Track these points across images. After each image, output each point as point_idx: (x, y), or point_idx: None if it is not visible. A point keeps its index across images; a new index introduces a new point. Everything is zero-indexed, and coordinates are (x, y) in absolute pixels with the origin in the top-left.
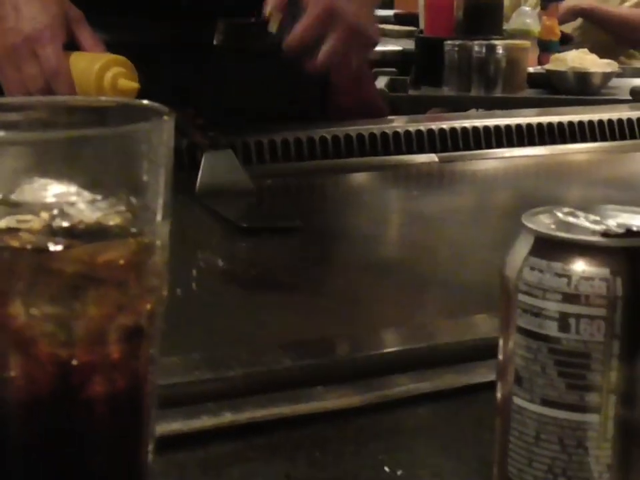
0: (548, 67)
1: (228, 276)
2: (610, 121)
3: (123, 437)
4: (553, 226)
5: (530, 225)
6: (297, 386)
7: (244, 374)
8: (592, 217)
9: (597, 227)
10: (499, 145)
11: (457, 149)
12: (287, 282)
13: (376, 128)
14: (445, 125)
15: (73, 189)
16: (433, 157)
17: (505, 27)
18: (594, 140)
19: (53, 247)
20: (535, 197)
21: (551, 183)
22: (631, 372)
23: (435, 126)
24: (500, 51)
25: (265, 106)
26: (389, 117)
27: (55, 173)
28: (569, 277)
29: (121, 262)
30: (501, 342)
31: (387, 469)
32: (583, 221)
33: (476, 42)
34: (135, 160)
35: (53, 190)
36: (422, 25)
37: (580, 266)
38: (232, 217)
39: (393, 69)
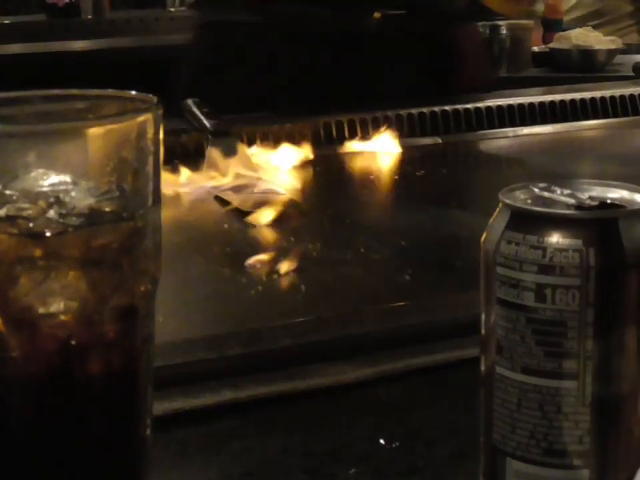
0: (552, 45)
1: (230, 259)
2: (612, 97)
3: (120, 414)
4: (529, 201)
5: (506, 200)
6: (295, 364)
7: (244, 353)
8: (566, 192)
9: (571, 201)
10: (503, 125)
11: (460, 130)
12: (284, 263)
13: (379, 112)
14: (448, 107)
15: (67, 178)
16: (436, 140)
17: None
18: (597, 117)
19: (49, 233)
20: (542, 174)
21: (556, 161)
22: (606, 339)
23: (437, 108)
24: (504, 30)
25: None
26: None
27: (49, 163)
28: (543, 248)
29: (114, 245)
30: (482, 314)
31: (382, 441)
32: (557, 195)
33: (479, 22)
34: (126, 149)
35: (48, 179)
36: None
37: (554, 238)
38: (236, 201)
39: None
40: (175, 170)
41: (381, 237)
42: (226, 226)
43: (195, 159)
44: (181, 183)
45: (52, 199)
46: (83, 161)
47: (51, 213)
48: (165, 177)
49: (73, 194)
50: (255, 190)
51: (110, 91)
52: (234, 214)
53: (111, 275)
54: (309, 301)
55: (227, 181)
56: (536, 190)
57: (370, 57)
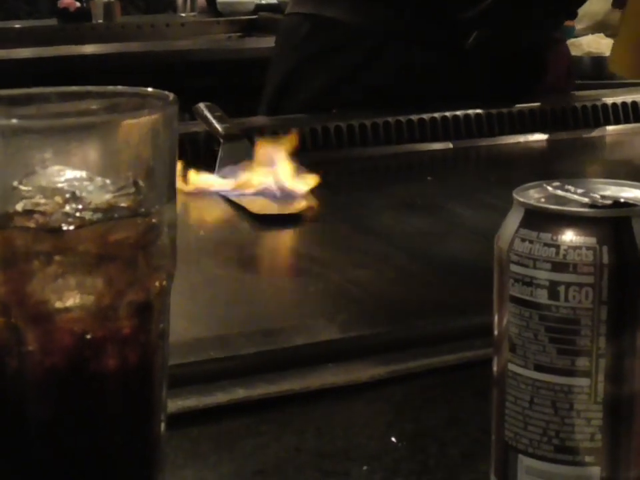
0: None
1: (242, 261)
2: (624, 104)
3: (136, 409)
4: (542, 199)
5: (520, 199)
6: (308, 363)
7: (256, 352)
8: (580, 190)
9: (585, 199)
10: (514, 132)
11: (471, 136)
12: (298, 266)
13: (390, 117)
14: (459, 113)
15: (83, 173)
16: (448, 145)
17: None
18: (609, 123)
19: (65, 227)
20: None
21: (568, 165)
22: (619, 336)
23: (449, 113)
24: None
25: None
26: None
27: (66, 158)
28: (557, 246)
29: (130, 241)
30: (495, 312)
31: (393, 439)
32: (571, 194)
33: None
34: (141, 145)
35: (66, 175)
36: None
37: (568, 236)
38: (249, 205)
39: None
40: (188, 172)
41: (395, 241)
42: (239, 229)
43: (207, 162)
44: (194, 186)
45: (68, 195)
46: (99, 156)
47: (67, 208)
48: (178, 179)
49: (89, 190)
50: (269, 193)
51: (126, 88)
52: (247, 217)
53: (127, 270)
54: (321, 302)
55: (240, 183)
56: (550, 188)
57: (461, 65)
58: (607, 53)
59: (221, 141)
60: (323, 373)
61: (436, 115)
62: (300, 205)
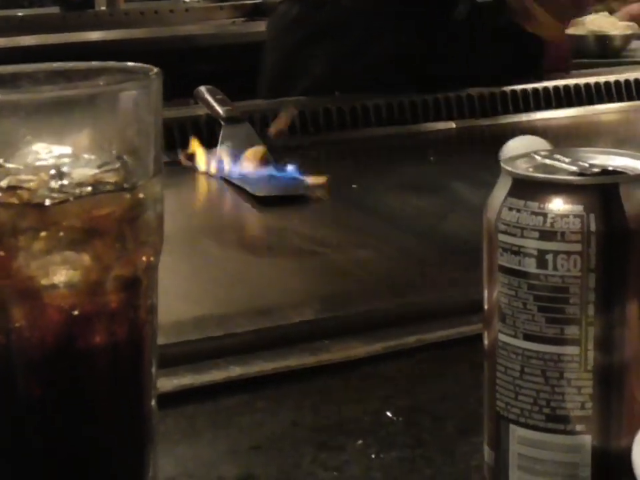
0: (567, 31)
1: (242, 242)
2: (627, 81)
3: (125, 384)
4: (530, 168)
5: (508, 168)
6: (304, 340)
7: (253, 331)
8: (568, 159)
9: (573, 168)
10: (518, 111)
11: (473, 115)
12: (298, 246)
13: (393, 97)
14: (462, 93)
15: (68, 149)
16: (450, 125)
17: None
18: (613, 101)
19: (50, 202)
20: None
21: (572, 144)
22: (607, 304)
23: (452, 94)
24: None
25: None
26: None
27: (50, 134)
28: (545, 215)
29: (116, 216)
30: (485, 283)
31: (388, 414)
32: (559, 162)
33: None
34: (126, 119)
35: (50, 151)
36: None
37: (555, 204)
38: (248, 187)
39: None
40: (189, 156)
41: (397, 221)
42: (240, 210)
43: (209, 145)
44: (195, 169)
45: (53, 171)
46: (83, 131)
47: (52, 184)
48: (182, 162)
49: (73, 165)
50: (272, 176)
51: (111, 63)
52: (249, 199)
53: (113, 245)
54: (320, 281)
55: (242, 166)
56: (538, 158)
57: (456, 42)
58: (611, 32)
59: (222, 123)
60: (319, 350)
61: (439, 95)
62: (302, 186)
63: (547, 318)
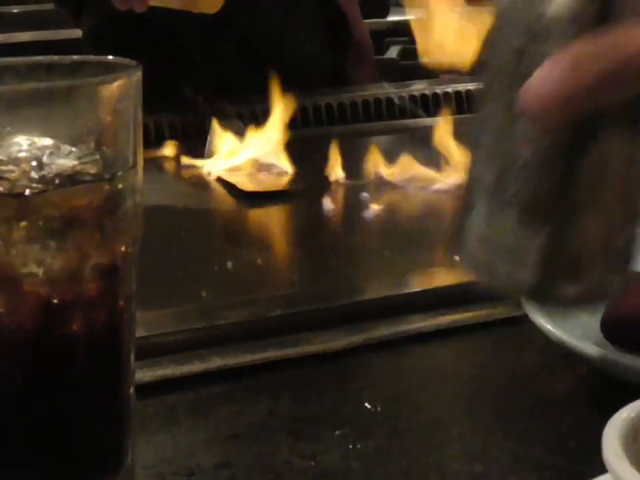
0: None
1: (228, 235)
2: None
3: (104, 372)
4: None
5: None
6: (286, 332)
7: (234, 322)
8: None
9: None
10: None
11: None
12: (282, 240)
13: (393, 92)
14: (461, 87)
15: (48, 140)
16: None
17: None
18: None
19: (30, 192)
20: None
21: None
22: None
23: (450, 89)
24: None
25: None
26: (406, 82)
27: (29, 126)
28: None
29: (95, 205)
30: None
31: (367, 404)
32: None
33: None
34: (105, 111)
35: (30, 142)
36: None
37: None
38: (238, 182)
39: (405, 38)
40: (178, 152)
41: (375, 216)
42: (228, 205)
43: (196, 143)
44: (183, 165)
45: (33, 162)
46: (63, 123)
47: (32, 174)
48: (169, 159)
49: (54, 156)
50: (258, 170)
51: (91, 57)
52: (237, 194)
53: (92, 234)
54: (300, 273)
55: (229, 162)
56: None
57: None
58: None
59: (211, 121)
60: (300, 342)
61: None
62: (284, 180)
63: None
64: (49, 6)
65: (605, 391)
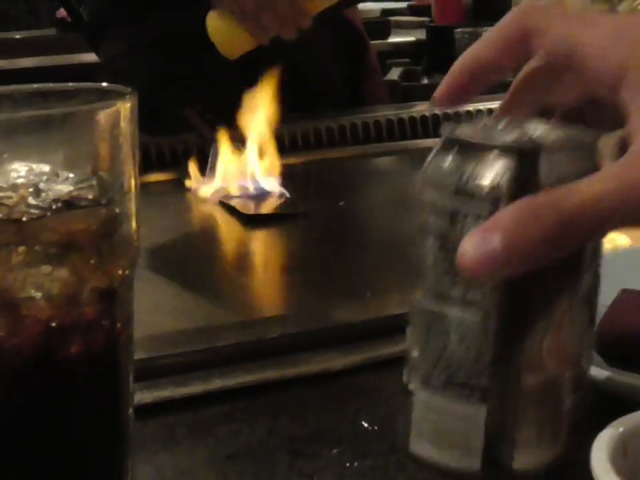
0: None
1: (228, 258)
2: None
3: (102, 394)
4: (465, 131)
5: (443, 130)
6: (285, 353)
7: (234, 344)
8: (510, 128)
9: (507, 137)
10: None
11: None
12: (281, 262)
13: (393, 114)
14: (461, 109)
15: (45, 167)
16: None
17: None
18: None
19: (28, 218)
20: None
21: None
22: None
23: (451, 110)
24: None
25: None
26: (406, 104)
27: (27, 152)
28: (461, 174)
29: (92, 230)
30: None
31: (364, 423)
32: (496, 130)
33: (486, 28)
34: (102, 137)
35: (27, 169)
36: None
37: (471, 166)
38: (238, 205)
39: (407, 60)
40: (178, 175)
41: (373, 236)
42: (229, 228)
43: (198, 165)
44: (184, 188)
45: (31, 188)
46: (60, 149)
47: (31, 200)
48: (170, 182)
49: (51, 182)
50: (258, 193)
51: (87, 84)
52: (238, 217)
53: (90, 258)
54: (300, 296)
55: (230, 185)
56: (481, 124)
57: None
58: None
59: (211, 144)
60: (299, 362)
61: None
62: (277, 202)
63: (452, 280)
64: (51, 32)
65: (594, 405)
